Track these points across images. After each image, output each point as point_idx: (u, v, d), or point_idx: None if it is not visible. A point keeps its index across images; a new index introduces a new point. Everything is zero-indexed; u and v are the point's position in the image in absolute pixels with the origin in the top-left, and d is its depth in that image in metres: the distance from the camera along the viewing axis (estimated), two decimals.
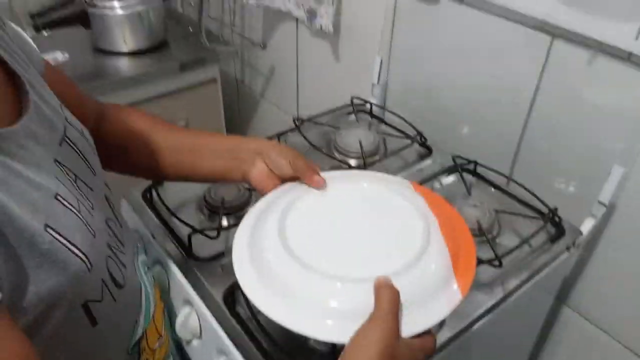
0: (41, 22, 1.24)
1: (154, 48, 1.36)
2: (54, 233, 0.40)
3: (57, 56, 1.23)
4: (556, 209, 0.78)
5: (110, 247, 0.51)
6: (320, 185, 0.60)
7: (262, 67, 1.51)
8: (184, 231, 0.73)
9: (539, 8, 0.79)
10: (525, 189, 0.82)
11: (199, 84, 1.40)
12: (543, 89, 0.85)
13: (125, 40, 1.30)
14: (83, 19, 1.26)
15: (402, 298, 0.45)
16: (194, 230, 0.71)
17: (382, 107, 1.08)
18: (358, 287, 0.46)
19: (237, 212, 0.79)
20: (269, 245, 0.52)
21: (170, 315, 0.71)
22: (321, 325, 0.45)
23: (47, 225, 0.40)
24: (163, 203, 0.78)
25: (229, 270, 0.66)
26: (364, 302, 0.45)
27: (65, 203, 0.43)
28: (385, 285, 0.47)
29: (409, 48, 1.06)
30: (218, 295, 0.66)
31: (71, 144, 0.50)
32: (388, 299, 0.46)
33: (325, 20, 1.17)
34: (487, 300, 0.66)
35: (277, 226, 0.53)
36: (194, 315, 0.67)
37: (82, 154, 0.51)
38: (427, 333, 0.48)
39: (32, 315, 0.39)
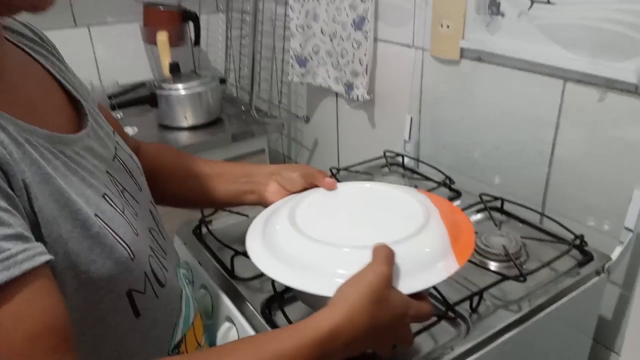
0: (116, 102, 1.44)
1: (210, 123, 1.53)
2: (101, 222, 0.47)
3: (128, 130, 1.41)
4: (582, 236, 0.80)
5: (153, 249, 0.57)
6: (333, 187, 0.68)
7: (306, 138, 1.65)
8: (228, 257, 0.80)
9: (549, 56, 0.87)
10: (553, 219, 0.85)
11: (249, 154, 1.53)
12: (562, 130, 0.90)
13: (186, 116, 1.48)
14: (151, 100, 1.46)
15: (402, 263, 0.50)
16: (236, 253, 0.78)
17: (414, 159, 1.16)
18: (362, 252, 0.51)
19: None
20: (279, 227, 0.59)
21: (211, 339, 0.76)
22: (329, 283, 0.50)
23: (96, 215, 0.46)
24: (210, 233, 0.86)
25: (267, 286, 0.73)
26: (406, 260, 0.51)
27: (112, 203, 0.51)
28: (382, 245, 0.52)
29: (436, 106, 1.15)
30: (256, 307, 0.71)
31: (121, 162, 0.58)
32: (383, 254, 0.51)
33: (361, 90, 1.30)
34: (512, 315, 0.67)
35: (287, 214, 0.60)
36: (234, 330, 0.72)
37: (130, 172, 0.60)
38: (426, 300, 0.52)
39: (82, 295, 0.44)
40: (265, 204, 0.71)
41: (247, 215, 0.89)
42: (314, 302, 0.56)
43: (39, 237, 0.41)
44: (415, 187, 1.01)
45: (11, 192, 0.38)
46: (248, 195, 0.72)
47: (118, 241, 0.48)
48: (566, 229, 0.82)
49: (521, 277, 0.70)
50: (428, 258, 0.52)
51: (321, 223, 0.59)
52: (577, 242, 0.79)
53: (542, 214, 0.91)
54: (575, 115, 0.88)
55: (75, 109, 0.56)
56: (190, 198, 0.77)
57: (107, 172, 0.54)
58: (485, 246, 0.79)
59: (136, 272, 0.51)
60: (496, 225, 0.88)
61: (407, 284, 0.50)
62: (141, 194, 0.61)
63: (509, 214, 0.92)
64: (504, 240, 0.80)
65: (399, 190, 0.67)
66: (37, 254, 0.37)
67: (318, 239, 0.55)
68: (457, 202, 0.97)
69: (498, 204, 0.92)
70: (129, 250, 0.49)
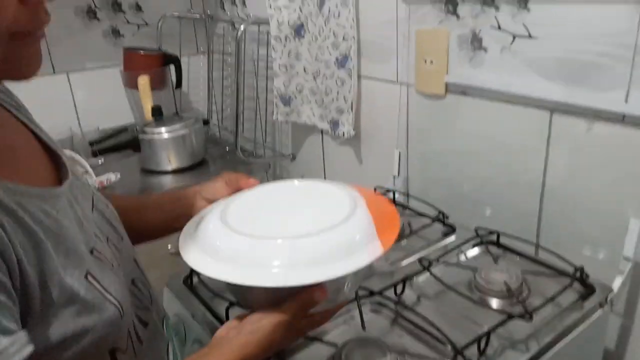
0: (98, 148, 1.41)
1: (195, 165, 1.50)
2: (93, 282, 0.46)
3: (110, 177, 1.38)
4: (582, 268, 0.79)
5: (135, 304, 0.56)
6: (255, 185, 0.68)
7: (293, 176, 1.63)
8: (222, 308, 0.77)
9: (534, 89, 0.88)
10: (552, 252, 0.84)
11: None
12: (552, 161, 0.91)
13: (169, 160, 1.46)
14: (134, 145, 1.43)
15: (330, 250, 0.52)
16: (231, 304, 0.74)
17: (404, 194, 1.15)
18: (295, 242, 0.53)
19: None
20: (212, 226, 0.58)
21: None
22: (265, 274, 0.51)
23: (87, 274, 0.46)
24: (202, 282, 0.83)
25: None
26: (301, 254, 0.52)
27: (102, 257, 0.50)
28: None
29: (423, 140, 1.15)
30: None
31: (100, 212, 0.57)
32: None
33: (346, 127, 1.30)
34: (521, 356, 0.65)
35: (219, 215, 0.60)
36: None
37: (109, 221, 0.59)
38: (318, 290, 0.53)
39: (66, 357, 0.43)
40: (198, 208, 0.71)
41: None
42: (251, 299, 0.58)
43: (27, 309, 0.40)
44: (409, 224, 1.00)
45: (6, 279, 0.38)
46: (179, 219, 0.69)
47: (109, 300, 0.47)
48: (565, 260, 0.81)
49: (527, 315, 0.68)
50: (354, 244, 0.54)
51: (252, 220, 0.59)
52: (578, 274, 0.78)
53: (539, 246, 0.90)
54: (564, 145, 0.88)
55: (51, 160, 0.55)
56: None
57: (93, 221, 0.53)
58: (486, 282, 0.78)
59: (122, 329, 0.50)
60: (494, 259, 0.87)
61: (333, 273, 0.51)
62: (123, 243, 0.60)
63: (505, 247, 0.90)
64: (504, 275, 0.79)
65: (328, 185, 0.67)
66: (23, 345, 0.38)
67: (251, 234, 0.55)
68: (452, 237, 0.96)
69: (494, 237, 0.91)
70: (120, 308, 0.48)
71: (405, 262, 0.89)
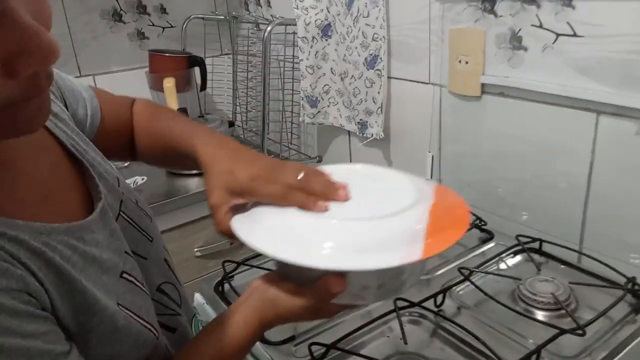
0: None
1: None
2: (125, 311, 0.45)
3: (137, 180, 1.37)
4: (634, 278, 0.75)
5: (160, 313, 0.55)
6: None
7: None
8: None
9: (579, 90, 0.84)
10: (598, 261, 0.80)
11: None
12: (598, 164, 0.86)
13: None
14: None
15: (366, 240, 0.47)
16: None
17: None
18: (349, 224, 0.47)
19: None
20: (265, 207, 0.52)
21: None
22: (317, 255, 0.46)
23: (119, 304, 0.45)
24: (233, 290, 0.81)
25: (302, 350, 0.67)
26: (357, 237, 0.47)
27: (131, 279, 0.48)
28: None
29: (457, 143, 1.11)
30: None
31: (126, 218, 0.54)
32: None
33: (375, 128, 1.27)
34: None
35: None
36: None
37: (137, 225, 0.56)
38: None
39: None
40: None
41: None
42: (299, 276, 0.52)
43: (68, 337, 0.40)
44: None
45: (46, 313, 0.38)
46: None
47: (143, 325, 0.47)
48: (616, 270, 0.77)
49: (579, 330, 0.64)
50: (394, 243, 0.46)
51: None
52: (630, 285, 0.74)
53: (584, 254, 0.85)
54: (611, 148, 0.84)
55: (83, 181, 0.51)
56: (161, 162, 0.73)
57: (121, 233, 0.51)
58: (532, 294, 0.74)
59: (159, 346, 0.50)
60: (537, 268, 0.83)
61: (362, 264, 0.45)
62: (152, 245, 0.58)
63: (548, 255, 0.87)
64: (550, 286, 0.75)
65: (400, 175, 0.59)
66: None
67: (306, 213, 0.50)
68: (490, 244, 0.92)
69: (536, 245, 0.87)
70: (154, 330, 0.48)
71: (442, 271, 0.86)
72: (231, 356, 0.49)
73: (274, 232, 0.48)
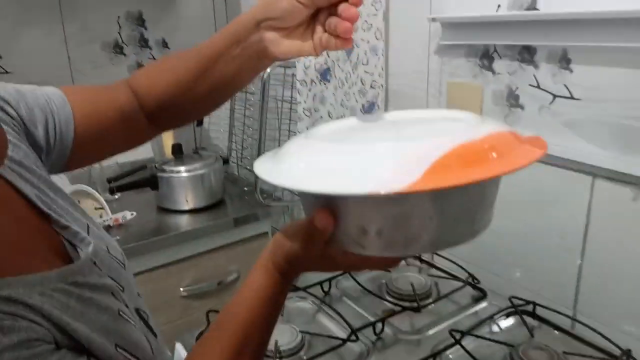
0: (115, 185, 1.38)
1: (212, 205, 1.47)
2: (123, 352, 0.43)
3: (126, 215, 1.35)
4: (629, 351, 0.72)
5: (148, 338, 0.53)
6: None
7: None
8: None
9: (574, 152, 0.84)
10: (592, 329, 0.78)
11: (252, 237, 1.46)
12: (593, 228, 0.85)
13: (187, 199, 1.42)
14: (152, 183, 1.41)
15: (347, 163, 0.39)
16: None
17: (431, 252, 1.10)
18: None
19: (290, 356, 0.77)
20: (295, 142, 0.47)
21: None
22: (288, 174, 0.41)
23: (117, 345, 0.43)
24: None
25: None
26: (339, 158, 0.40)
27: (125, 317, 0.47)
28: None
29: None
30: None
31: (97, 267, 0.51)
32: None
33: None
34: None
35: (305, 134, 0.49)
36: None
37: (110, 252, 0.54)
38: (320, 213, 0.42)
39: None
40: (280, 56, 0.55)
41: None
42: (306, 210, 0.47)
43: None
44: (437, 286, 0.95)
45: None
46: (253, 62, 0.57)
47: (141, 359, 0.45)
48: (610, 341, 0.75)
49: None
50: (381, 169, 0.37)
51: (344, 134, 0.47)
52: (625, 358, 0.72)
53: (578, 321, 0.83)
54: (608, 212, 0.83)
55: (54, 231, 0.49)
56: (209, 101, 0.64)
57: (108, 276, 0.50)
58: None
59: None
60: (530, 332, 0.81)
61: (322, 184, 0.38)
62: (126, 272, 0.55)
63: (541, 319, 0.84)
64: (544, 355, 0.73)
65: (457, 114, 0.51)
66: None
67: (338, 141, 0.43)
68: (483, 304, 0.90)
69: (529, 307, 0.85)
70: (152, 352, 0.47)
71: (433, 331, 0.83)
72: (261, 306, 0.48)
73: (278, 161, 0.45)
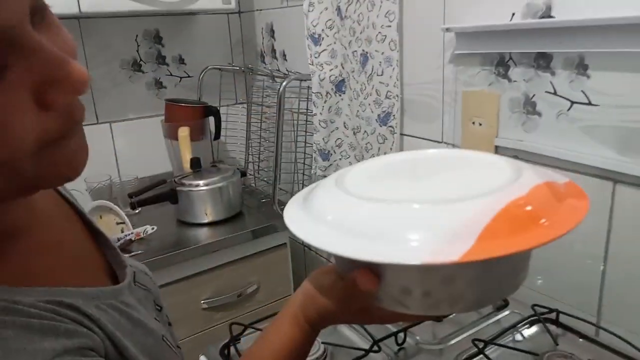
0: (136, 200, 1.41)
1: (231, 218, 1.48)
2: None
3: (147, 229, 1.37)
4: None
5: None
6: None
7: None
8: None
9: (594, 158, 0.84)
10: (617, 335, 0.77)
11: (270, 249, 1.48)
12: (615, 234, 0.84)
13: (206, 212, 1.44)
14: (172, 197, 1.43)
15: (394, 228, 0.38)
16: None
17: None
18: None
19: None
20: (325, 192, 0.46)
21: None
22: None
23: None
24: (239, 355, 0.79)
25: None
26: (388, 222, 0.39)
27: (169, 343, 0.47)
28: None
29: None
30: None
31: (142, 286, 0.52)
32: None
33: None
34: None
35: (334, 181, 0.48)
36: None
37: (147, 289, 0.54)
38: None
39: None
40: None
41: None
42: (341, 269, 0.46)
43: None
44: None
45: None
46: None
47: None
48: (634, 346, 0.74)
49: None
50: (430, 235, 0.37)
51: (378, 185, 0.46)
52: None
53: (602, 329, 0.82)
54: (630, 218, 0.82)
55: (102, 251, 0.51)
56: None
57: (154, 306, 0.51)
58: None
59: None
60: (554, 340, 0.80)
61: (368, 251, 0.38)
62: (161, 313, 0.55)
63: (565, 327, 0.84)
64: None
65: (490, 157, 0.50)
66: None
67: (377, 199, 0.42)
68: (505, 312, 0.90)
69: (552, 315, 0.85)
70: None
71: (455, 340, 0.83)
72: (288, 358, 0.49)
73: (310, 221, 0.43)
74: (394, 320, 0.48)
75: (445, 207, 0.39)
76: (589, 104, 0.83)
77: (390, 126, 1.22)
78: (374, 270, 0.42)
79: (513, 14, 0.91)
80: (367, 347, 0.80)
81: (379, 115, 1.24)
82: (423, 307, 0.42)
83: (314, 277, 0.50)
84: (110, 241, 0.51)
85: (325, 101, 1.36)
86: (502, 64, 0.96)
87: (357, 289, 0.43)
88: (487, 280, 0.41)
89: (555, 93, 0.88)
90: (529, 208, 0.39)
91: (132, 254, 1.27)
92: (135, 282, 0.53)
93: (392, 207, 0.40)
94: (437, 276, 0.40)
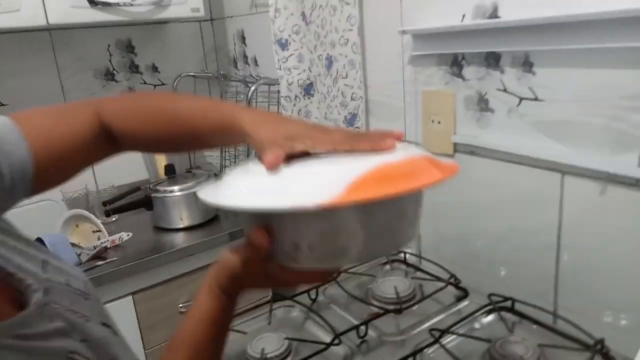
0: (111, 208, 1.42)
1: (207, 222, 1.50)
2: None
3: (122, 236, 1.39)
4: (603, 340, 0.75)
5: None
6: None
7: None
8: None
9: (543, 151, 0.87)
10: (568, 321, 0.80)
11: None
12: (566, 223, 0.88)
13: (181, 217, 1.46)
14: (146, 203, 1.45)
15: (279, 184, 0.44)
16: None
17: (416, 255, 1.12)
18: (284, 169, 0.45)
19: None
20: (232, 173, 0.51)
21: None
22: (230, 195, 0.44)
23: None
24: None
25: None
26: (274, 180, 0.44)
27: (77, 358, 0.44)
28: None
29: (433, 199, 1.13)
30: None
31: (56, 305, 0.48)
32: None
33: None
34: None
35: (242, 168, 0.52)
36: None
37: (70, 285, 0.52)
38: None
39: None
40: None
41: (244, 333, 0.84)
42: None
43: None
44: (421, 288, 0.98)
45: None
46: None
47: None
48: (586, 333, 0.78)
49: None
50: (308, 187, 0.42)
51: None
52: (599, 347, 0.74)
53: (555, 315, 0.86)
54: (578, 207, 0.86)
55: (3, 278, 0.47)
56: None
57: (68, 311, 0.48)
58: (502, 357, 0.74)
59: None
60: (509, 328, 0.84)
61: (252, 201, 0.43)
62: (88, 325, 0.51)
63: (521, 315, 0.87)
64: (519, 348, 0.75)
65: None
66: None
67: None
68: (465, 302, 0.93)
69: (508, 304, 0.88)
70: None
71: (416, 331, 0.86)
72: (210, 329, 0.51)
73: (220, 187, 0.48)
74: (296, 281, 0.52)
75: (326, 166, 0.45)
76: (536, 99, 0.87)
77: (356, 127, 1.25)
78: (268, 228, 0.45)
79: (464, 15, 0.94)
80: (329, 341, 0.82)
81: (345, 117, 1.27)
82: (311, 260, 0.46)
83: (227, 247, 0.53)
84: (8, 268, 0.46)
85: (294, 104, 1.39)
86: (456, 64, 0.99)
87: (254, 247, 0.46)
88: (365, 234, 0.44)
89: (505, 90, 0.91)
90: (400, 168, 0.43)
91: (108, 260, 1.28)
92: (68, 286, 0.50)
93: (281, 174, 0.45)
94: (318, 228, 0.44)
